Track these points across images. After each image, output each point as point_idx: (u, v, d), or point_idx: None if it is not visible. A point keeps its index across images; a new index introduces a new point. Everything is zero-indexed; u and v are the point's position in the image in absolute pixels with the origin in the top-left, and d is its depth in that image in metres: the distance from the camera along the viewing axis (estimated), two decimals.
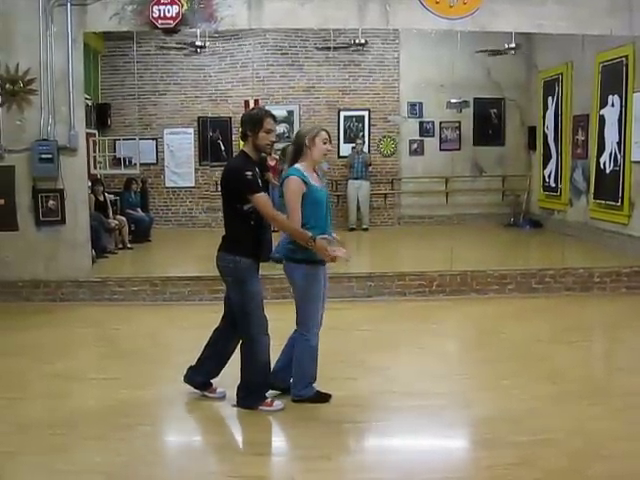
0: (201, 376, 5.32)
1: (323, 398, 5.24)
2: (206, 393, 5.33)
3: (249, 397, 5.08)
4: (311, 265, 5.00)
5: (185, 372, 5.36)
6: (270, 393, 5.21)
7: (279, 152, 11.68)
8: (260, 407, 5.05)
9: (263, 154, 5.21)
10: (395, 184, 14.86)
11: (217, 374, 5.34)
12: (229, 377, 5.25)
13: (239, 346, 5.12)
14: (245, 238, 4.90)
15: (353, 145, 14.17)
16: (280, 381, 5.27)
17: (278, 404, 5.09)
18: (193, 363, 5.33)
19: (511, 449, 4.39)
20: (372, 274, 8.98)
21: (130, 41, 11.61)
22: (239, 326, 5.04)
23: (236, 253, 4.91)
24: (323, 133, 5.11)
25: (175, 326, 7.79)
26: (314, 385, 5.24)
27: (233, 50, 14.23)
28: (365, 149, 14.36)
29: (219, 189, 5.15)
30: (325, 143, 5.11)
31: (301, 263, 5.00)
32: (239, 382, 5.13)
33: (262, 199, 4.82)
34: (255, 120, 4.91)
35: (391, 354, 6.50)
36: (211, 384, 5.34)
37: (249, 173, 4.80)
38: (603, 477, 4.07)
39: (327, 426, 4.82)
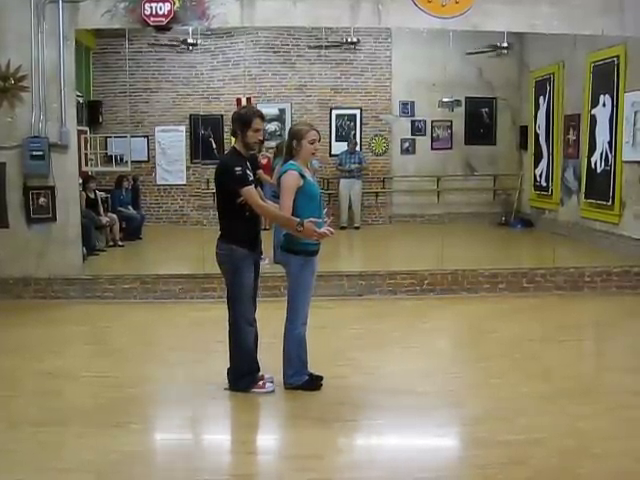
0: None
1: (315, 385, 5.33)
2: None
3: (240, 380, 5.27)
4: (307, 256, 5.16)
5: None
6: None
7: (271, 150, 11.67)
8: (252, 389, 5.27)
9: (254, 152, 5.41)
10: (387, 183, 14.85)
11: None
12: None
13: (227, 332, 5.31)
14: (240, 229, 5.15)
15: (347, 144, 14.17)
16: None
17: (270, 386, 5.29)
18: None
19: (502, 448, 4.40)
20: (363, 273, 8.98)
21: (122, 38, 11.53)
22: (229, 311, 5.27)
23: (232, 242, 5.15)
24: (311, 134, 5.18)
25: (166, 324, 7.79)
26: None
27: (225, 48, 14.17)
28: (358, 148, 14.34)
29: (211, 186, 5.28)
30: (312, 143, 5.15)
31: (298, 254, 5.15)
32: (229, 366, 5.32)
33: (249, 192, 5.06)
34: (244, 120, 5.17)
35: (382, 353, 6.51)
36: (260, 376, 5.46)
37: (238, 169, 5.05)
38: (594, 476, 4.08)
39: (318, 425, 4.82)
